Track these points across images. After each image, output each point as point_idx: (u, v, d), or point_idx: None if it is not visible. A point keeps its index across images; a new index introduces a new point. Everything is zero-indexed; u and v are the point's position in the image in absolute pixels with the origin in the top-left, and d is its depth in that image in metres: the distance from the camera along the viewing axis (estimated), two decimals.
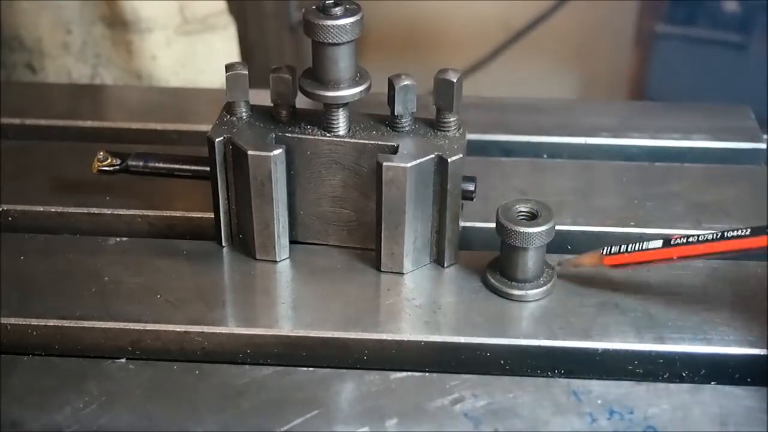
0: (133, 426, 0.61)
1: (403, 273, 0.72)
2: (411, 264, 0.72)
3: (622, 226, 0.78)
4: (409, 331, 0.67)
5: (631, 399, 0.63)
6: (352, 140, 0.70)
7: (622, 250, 0.67)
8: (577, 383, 0.64)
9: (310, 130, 0.71)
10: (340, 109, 0.70)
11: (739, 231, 0.63)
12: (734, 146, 0.90)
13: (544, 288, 0.70)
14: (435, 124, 0.71)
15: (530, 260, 0.69)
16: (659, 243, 0.66)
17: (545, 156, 0.90)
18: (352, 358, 0.67)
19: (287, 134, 0.71)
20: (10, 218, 0.79)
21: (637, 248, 0.67)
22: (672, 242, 0.65)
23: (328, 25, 0.66)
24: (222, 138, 0.70)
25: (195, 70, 1.17)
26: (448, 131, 0.71)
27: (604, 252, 0.68)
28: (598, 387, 0.64)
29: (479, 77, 1.69)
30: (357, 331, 0.67)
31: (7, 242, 0.75)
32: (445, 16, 1.80)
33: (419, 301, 0.70)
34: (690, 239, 0.65)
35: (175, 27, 1.14)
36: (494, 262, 0.71)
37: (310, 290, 0.71)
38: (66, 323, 0.68)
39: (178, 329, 0.67)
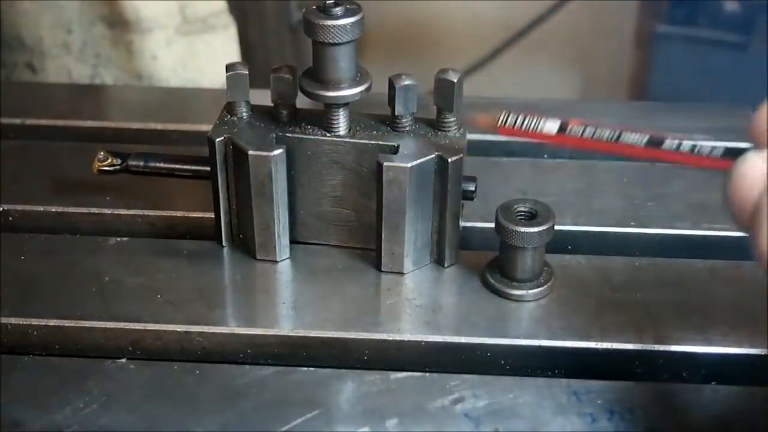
0: (133, 426, 0.61)
1: (403, 273, 0.72)
2: (411, 264, 0.72)
3: (623, 226, 0.78)
4: (409, 331, 0.67)
5: (631, 399, 0.63)
6: (353, 140, 0.70)
7: (517, 125, 0.64)
8: (577, 383, 0.64)
9: (310, 130, 0.71)
10: (341, 109, 0.70)
11: (638, 136, 0.60)
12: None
13: (544, 288, 0.70)
14: (435, 124, 0.71)
15: (529, 260, 0.69)
16: (555, 127, 0.63)
17: (546, 156, 0.90)
18: (353, 358, 0.67)
19: (288, 134, 0.71)
20: (10, 218, 0.79)
21: (532, 128, 0.64)
22: (567, 131, 0.62)
23: (329, 25, 0.66)
24: (222, 138, 0.70)
25: (195, 70, 1.17)
26: (449, 131, 0.71)
27: (500, 123, 0.65)
28: (598, 387, 0.64)
29: (479, 77, 1.69)
30: (357, 331, 0.67)
31: (7, 242, 0.75)
32: (445, 16, 1.80)
33: (419, 301, 0.70)
34: (586, 132, 0.61)
35: (176, 27, 1.14)
36: (493, 262, 0.71)
37: (310, 290, 0.71)
38: (66, 323, 0.68)
39: (178, 329, 0.67)
